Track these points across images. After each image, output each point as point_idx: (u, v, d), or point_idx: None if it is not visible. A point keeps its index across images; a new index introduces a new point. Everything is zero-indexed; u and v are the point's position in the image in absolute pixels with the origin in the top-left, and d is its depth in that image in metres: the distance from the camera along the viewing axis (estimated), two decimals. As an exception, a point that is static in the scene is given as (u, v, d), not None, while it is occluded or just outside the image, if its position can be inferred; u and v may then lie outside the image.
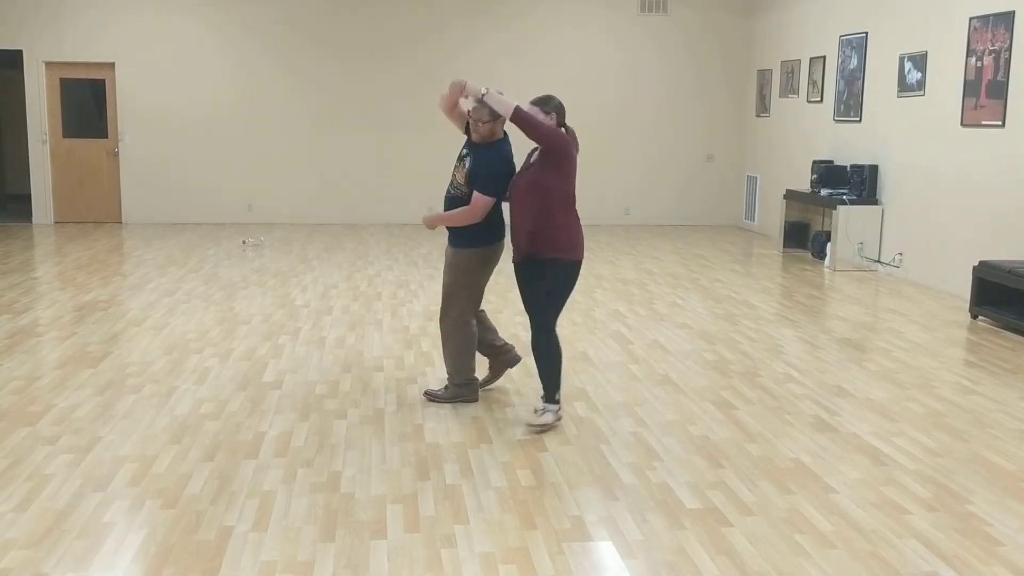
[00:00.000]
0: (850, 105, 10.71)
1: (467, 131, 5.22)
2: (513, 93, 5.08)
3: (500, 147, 5.10)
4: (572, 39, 13.55)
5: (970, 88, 8.51)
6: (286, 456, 4.50)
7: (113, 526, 3.72)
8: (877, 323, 7.61)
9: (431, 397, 5.40)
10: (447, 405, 5.31)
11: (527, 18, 13.46)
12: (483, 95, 4.91)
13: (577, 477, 4.29)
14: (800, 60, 12.02)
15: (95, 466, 4.33)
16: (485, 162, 5.05)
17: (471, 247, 5.17)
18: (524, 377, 5.79)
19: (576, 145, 4.94)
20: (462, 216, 5.09)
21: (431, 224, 5.20)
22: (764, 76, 13.17)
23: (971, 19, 8.49)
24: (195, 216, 13.40)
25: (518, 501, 4.01)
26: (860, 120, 10.50)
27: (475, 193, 5.02)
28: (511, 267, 5.05)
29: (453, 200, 5.17)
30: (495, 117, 5.01)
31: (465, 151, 5.17)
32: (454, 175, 5.22)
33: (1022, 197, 7.84)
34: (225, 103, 13.26)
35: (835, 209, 10.04)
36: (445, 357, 5.40)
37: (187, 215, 13.38)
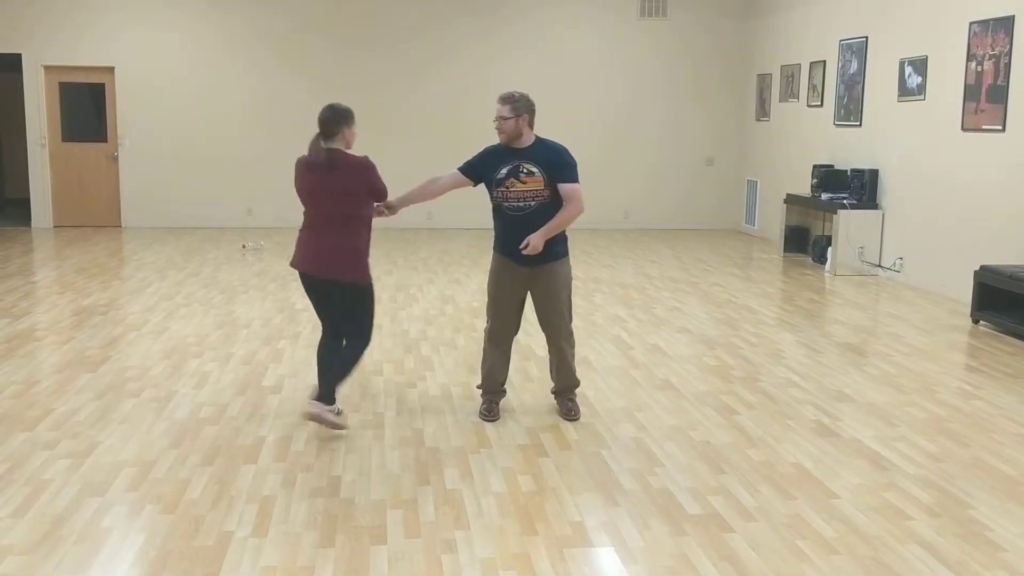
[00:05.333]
0: (850, 109, 10.70)
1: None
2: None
3: (547, 140, 5.02)
4: (571, 43, 13.55)
5: (970, 92, 8.51)
6: (286, 461, 4.49)
7: (111, 531, 3.70)
8: (878, 327, 7.60)
9: (575, 415, 5.16)
10: (447, 410, 5.29)
11: (525, 21, 13.46)
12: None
13: (578, 483, 4.27)
14: (800, 64, 12.02)
15: (94, 471, 4.32)
16: (558, 153, 4.94)
17: (568, 253, 5.12)
18: (524, 382, 5.78)
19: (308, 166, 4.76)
20: (573, 214, 4.93)
21: (540, 244, 4.85)
22: (764, 80, 13.17)
23: (971, 24, 8.49)
24: (195, 220, 13.39)
25: (519, 506, 3.99)
26: (860, 124, 10.49)
27: (573, 185, 4.90)
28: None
29: (540, 211, 4.89)
30: (517, 113, 4.88)
31: (513, 163, 4.91)
32: (514, 192, 4.90)
33: (1023, 201, 7.83)
34: (224, 107, 13.26)
35: (835, 213, 10.02)
36: (567, 372, 5.17)
37: (186, 219, 13.36)
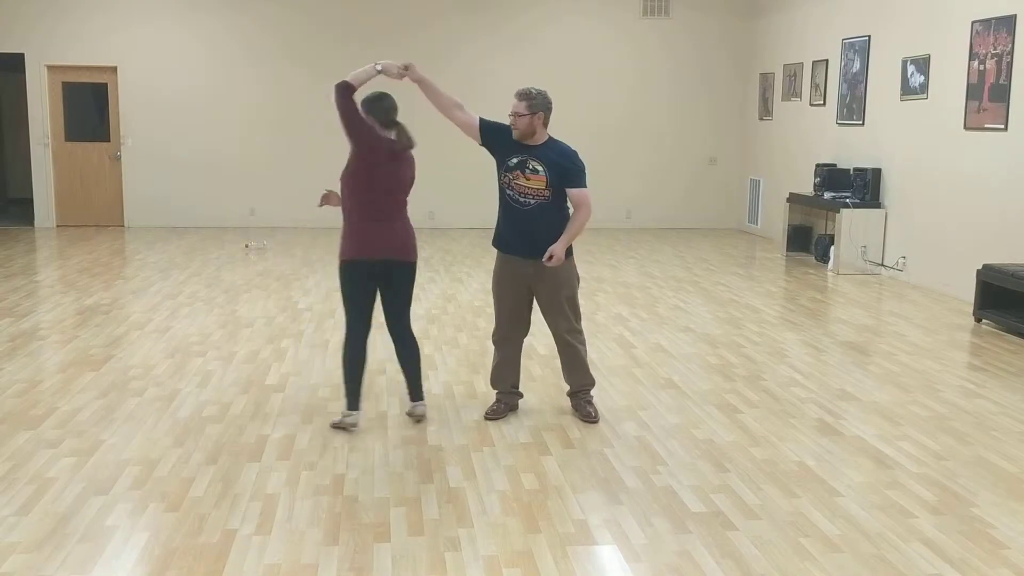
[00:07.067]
0: (853, 108, 10.70)
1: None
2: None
3: (558, 142, 4.99)
4: (573, 41, 13.54)
5: (973, 91, 8.50)
6: (289, 459, 4.49)
7: (116, 529, 3.71)
8: (880, 326, 7.60)
9: (593, 418, 5.13)
10: (450, 408, 5.30)
11: (527, 18, 13.44)
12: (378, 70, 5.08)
13: (581, 481, 4.28)
14: (803, 63, 12.02)
15: (97, 469, 4.32)
16: (569, 158, 4.91)
17: (572, 253, 5.09)
18: (527, 381, 5.78)
19: (391, 154, 4.86)
20: (584, 221, 4.93)
21: (562, 253, 4.87)
22: (766, 79, 13.17)
23: (973, 23, 8.48)
24: (197, 220, 13.39)
25: (522, 504, 4.00)
26: (863, 123, 10.49)
27: (582, 190, 4.90)
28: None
29: (538, 209, 4.88)
30: (533, 111, 4.83)
31: (520, 157, 4.88)
32: (518, 184, 4.88)
33: (1025, 200, 7.84)
34: (226, 106, 13.26)
35: (838, 212, 10.02)
36: (580, 370, 5.16)
37: (189, 219, 13.37)
